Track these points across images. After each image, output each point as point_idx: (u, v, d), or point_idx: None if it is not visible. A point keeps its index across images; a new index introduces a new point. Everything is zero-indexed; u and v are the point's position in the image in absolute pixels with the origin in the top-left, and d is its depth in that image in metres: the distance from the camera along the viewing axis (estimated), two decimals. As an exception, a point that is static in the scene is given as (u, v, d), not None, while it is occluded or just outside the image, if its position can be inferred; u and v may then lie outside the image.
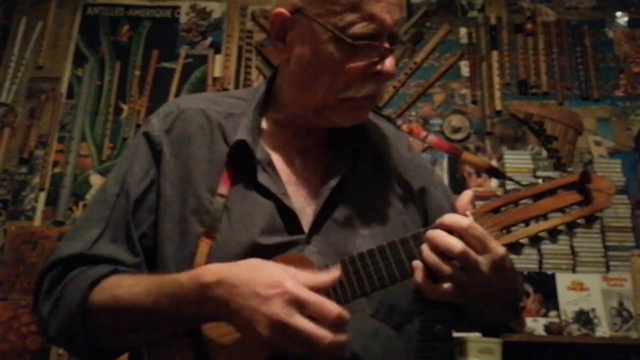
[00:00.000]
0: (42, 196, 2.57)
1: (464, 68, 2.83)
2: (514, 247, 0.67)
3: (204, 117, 0.83)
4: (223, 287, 0.64)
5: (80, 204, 2.55)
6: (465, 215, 0.67)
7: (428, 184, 0.92)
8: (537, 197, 0.68)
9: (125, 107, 2.75)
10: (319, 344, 0.59)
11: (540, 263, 2.39)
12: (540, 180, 0.71)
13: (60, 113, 2.72)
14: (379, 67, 0.75)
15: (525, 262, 2.38)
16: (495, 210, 0.68)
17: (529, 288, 2.33)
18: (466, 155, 0.87)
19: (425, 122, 2.73)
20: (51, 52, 2.84)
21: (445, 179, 2.61)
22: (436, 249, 0.65)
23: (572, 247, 2.40)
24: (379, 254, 0.69)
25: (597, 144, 2.66)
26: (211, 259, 0.72)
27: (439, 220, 0.67)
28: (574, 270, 2.37)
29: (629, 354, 2.16)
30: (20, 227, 2.50)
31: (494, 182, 2.59)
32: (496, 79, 2.77)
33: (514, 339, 2.07)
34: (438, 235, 0.65)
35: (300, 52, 0.78)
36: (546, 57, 2.81)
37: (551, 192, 0.68)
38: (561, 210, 0.67)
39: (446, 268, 0.64)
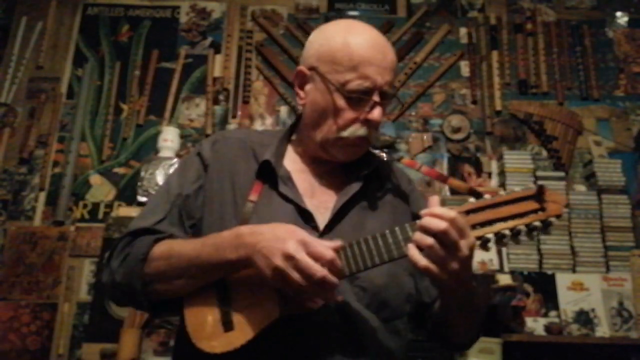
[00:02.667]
0: (42, 196, 2.57)
1: (464, 68, 2.83)
2: (481, 240, 0.84)
3: (242, 143, 1.08)
4: (253, 235, 0.86)
5: (80, 203, 2.55)
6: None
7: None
8: (501, 204, 0.85)
9: (125, 107, 2.75)
10: (314, 275, 0.79)
11: (540, 263, 2.39)
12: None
13: (60, 113, 2.72)
14: (368, 115, 0.98)
15: (525, 262, 2.38)
16: (467, 212, 0.84)
17: (529, 288, 2.33)
18: (452, 181, 1.08)
19: (425, 122, 2.73)
20: (51, 52, 2.84)
21: (445, 179, 2.61)
22: (425, 230, 0.81)
23: (572, 247, 2.41)
24: (380, 237, 0.86)
25: (597, 144, 2.66)
26: None
27: (429, 210, 0.82)
28: (574, 270, 2.37)
29: (629, 354, 2.16)
30: (20, 227, 2.50)
31: (493, 182, 2.59)
32: (496, 79, 2.77)
33: (514, 339, 2.08)
34: (427, 218, 0.81)
35: (313, 99, 1.02)
36: (546, 57, 2.81)
37: (512, 201, 0.85)
38: (520, 215, 0.84)
39: (429, 240, 0.79)
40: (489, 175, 2.62)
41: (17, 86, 2.77)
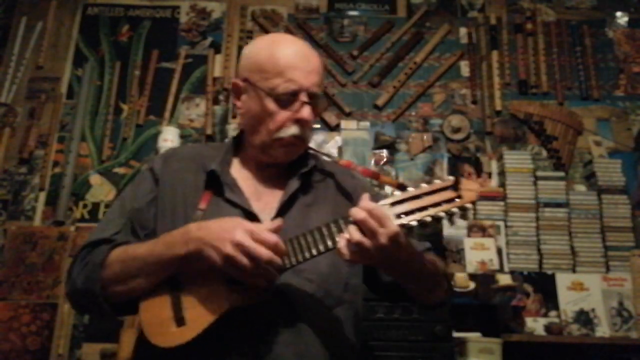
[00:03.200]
0: (42, 196, 2.57)
1: (464, 68, 2.83)
2: (406, 228, 0.92)
3: (191, 157, 1.16)
4: (201, 229, 0.93)
5: (80, 204, 2.55)
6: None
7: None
8: (423, 195, 0.94)
9: (125, 107, 2.75)
10: (261, 258, 0.87)
11: (540, 263, 2.39)
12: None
13: (60, 113, 2.72)
14: (298, 115, 1.06)
15: (525, 262, 2.39)
16: (392, 204, 0.93)
17: (529, 288, 2.33)
18: (383, 178, 1.23)
19: (425, 122, 2.73)
20: (51, 52, 2.84)
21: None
22: (353, 222, 0.90)
23: (572, 247, 2.41)
24: (316, 230, 0.95)
25: (597, 144, 2.66)
26: None
27: (354, 210, 0.90)
28: (574, 270, 2.37)
29: (629, 354, 2.16)
30: (20, 227, 2.50)
31: (493, 182, 2.59)
32: (496, 79, 2.77)
33: (514, 339, 2.08)
34: (351, 210, 0.90)
35: (248, 107, 1.11)
36: (546, 57, 2.81)
37: (433, 192, 0.94)
38: (439, 204, 0.94)
39: (353, 231, 0.89)
40: (489, 175, 2.62)
41: (17, 86, 2.77)
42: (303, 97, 1.06)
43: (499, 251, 2.39)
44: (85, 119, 2.72)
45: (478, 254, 2.37)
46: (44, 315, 2.35)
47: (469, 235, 2.42)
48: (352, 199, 1.14)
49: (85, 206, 2.56)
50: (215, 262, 0.90)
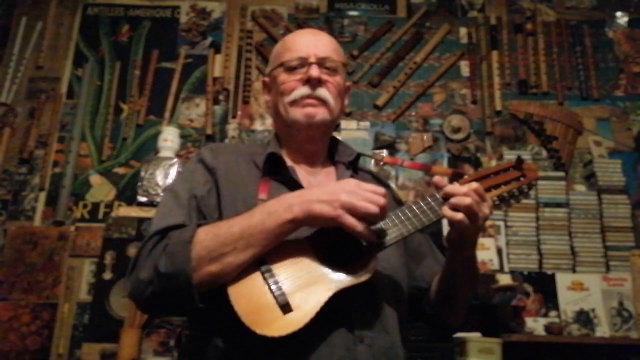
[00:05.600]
0: (42, 196, 2.57)
1: (464, 68, 2.83)
2: (493, 201, 0.98)
3: (237, 152, 1.14)
4: (301, 195, 0.90)
5: (80, 204, 2.55)
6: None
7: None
8: (491, 175, 1.01)
9: (125, 107, 2.75)
10: (377, 201, 0.85)
11: (540, 263, 2.39)
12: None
13: (60, 113, 2.72)
14: (305, 75, 1.08)
15: (525, 262, 2.39)
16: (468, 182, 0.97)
17: (529, 288, 2.33)
18: (436, 168, 1.23)
19: (425, 122, 2.73)
20: (51, 52, 2.84)
21: (445, 179, 2.61)
22: (456, 194, 0.92)
23: (572, 247, 2.41)
24: (414, 205, 0.94)
25: (597, 144, 2.66)
26: None
27: (452, 187, 0.94)
28: (574, 270, 2.37)
29: (629, 354, 2.16)
30: (20, 227, 2.50)
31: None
32: (496, 79, 2.77)
33: (514, 339, 2.07)
34: (456, 186, 0.94)
35: (271, 95, 1.16)
36: (546, 57, 2.81)
37: (499, 172, 1.02)
38: (510, 181, 1.01)
39: (467, 199, 0.91)
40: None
41: (17, 86, 2.77)
42: (311, 59, 1.09)
43: (499, 251, 2.39)
44: (85, 119, 2.72)
45: (478, 254, 2.34)
46: (44, 315, 2.35)
47: (469, 235, 2.42)
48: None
49: (85, 206, 2.56)
50: (329, 216, 0.85)
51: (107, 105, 2.75)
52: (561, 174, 2.53)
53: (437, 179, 0.96)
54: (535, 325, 2.24)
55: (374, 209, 0.85)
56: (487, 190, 0.98)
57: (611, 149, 2.65)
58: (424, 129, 2.71)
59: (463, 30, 2.90)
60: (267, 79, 1.19)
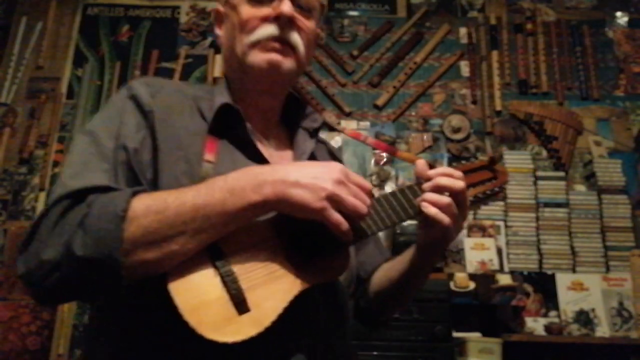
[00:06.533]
0: (42, 196, 2.57)
1: (464, 68, 2.83)
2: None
3: (180, 93, 0.88)
4: (276, 172, 0.71)
5: (80, 204, 2.55)
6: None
7: None
8: (468, 172, 0.91)
9: (125, 107, 2.75)
10: (365, 201, 0.73)
11: (540, 263, 2.39)
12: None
13: (60, 113, 2.73)
14: (276, 10, 0.87)
15: (525, 262, 2.39)
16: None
17: (529, 288, 2.33)
18: (400, 153, 1.15)
19: (425, 122, 2.73)
20: (51, 52, 2.84)
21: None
22: (439, 189, 0.81)
23: (572, 247, 2.41)
24: (391, 196, 0.82)
25: (597, 144, 2.66)
26: None
27: (440, 171, 0.83)
28: (574, 270, 2.37)
29: (629, 354, 2.16)
30: (20, 227, 2.50)
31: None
32: (496, 79, 2.77)
33: (514, 339, 2.08)
34: (443, 178, 0.82)
35: (225, 29, 0.93)
36: (546, 57, 2.81)
37: (473, 170, 0.94)
38: (482, 182, 0.94)
39: (446, 199, 0.80)
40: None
41: (17, 86, 2.77)
42: None
43: (499, 251, 2.39)
44: (85, 119, 2.72)
45: (478, 254, 2.37)
46: (44, 315, 2.35)
47: (469, 235, 2.42)
48: None
49: (85, 206, 2.56)
50: (310, 207, 0.69)
51: (107, 105, 2.75)
52: (561, 174, 2.54)
53: (420, 167, 0.86)
54: (535, 325, 2.24)
55: (363, 209, 0.72)
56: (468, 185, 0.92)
57: (611, 149, 2.65)
58: (424, 129, 2.71)
59: (463, 30, 2.90)
60: (222, 8, 0.95)
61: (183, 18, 2.93)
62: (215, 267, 0.69)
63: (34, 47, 2.84)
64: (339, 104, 2.72)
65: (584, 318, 2.26)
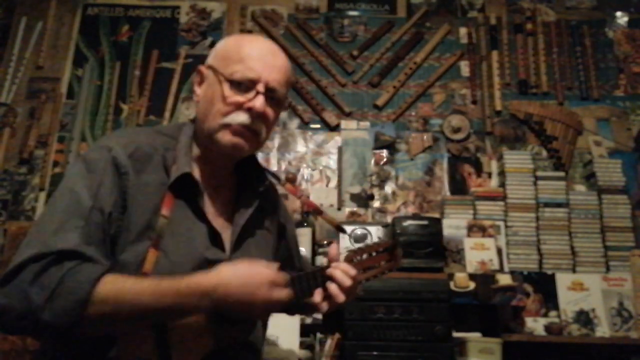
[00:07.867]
0: (42, 196, 2.57)
1: (464, 68, 2.83)
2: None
3: (151, 147, 1.02)
4: (220, 284, 0.89)
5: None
6: (346, 262, 1.11)
7: (288, 223, 1.32)
8: (373, 254, 1.14)
9: (125, 107, 2.75)
10: (281, 299, 0.94)
11: (540, 263, 2.39)
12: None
13: (60, 113, 2.72)
14: (250, 103, 1.02)
15: (525, 262, 2.38)
16: (351, 259, 1.11)
17: (529, 288, 2.33)
18: (325, 216, 1.38)
19: (425, 122, 2.73)
20: (51, 52, 2.84)
21: (445, 179, 2.62)
22: (336, 282, 1.05)
23: (572, 247, 2.41)
24: (301, 279, 1.03)
25: (597, 144, 2.66)
26: (158, 266, 0.92)
27: (337, 265, 1.07)
28: (574, 270, 2.37)
29: (629, 354, 2.16)
30: (20, 227, 2.50)
31: (493, 182, 2.59)
32: (496, 79, 2.77)
33: (514, 339, 2.08)
34: (340, 275, 1.05)
35: (205, 93, 1.06)
36: (546, 57, 2.81)
37: (380, 251, 1.15)
38: (380, 265, 1.15)
39: (338, 292, 1.05)
40: (489, 175, 2.62)
41: (17, 86, 2.77)
42: (260, 88, 1.02)
43: (499, 251, 2.39)
44: (85, 119, 2.72)
45: (478, 254, 2.37)
46: (44, 315, 2.35)
47: (468, 235, 2.42)
48: (283, 233, 1.26)
49: (85, 206, 2.55)
50: (250, 311, 0.93)
51: (107, 105, 2.75)
52: (561, 174, 2.53)
53: (333, 252, 1.10)
54: (535, 325, 2.24)
55: (289, 295, 0.96)
56: (365, 269, 1.12)
57: (611, 149, 2.65)
58: (424, 129, 2.71)
59: (463, 30, 2.90)
60: (205, 69, 1.09)
61: (183, 18, 2.93)
62: (154, 329, 0.88)
63: (34, 47, 2.84)
64: (339, 104, 2.72)
65: (584, 318, 2.25)
